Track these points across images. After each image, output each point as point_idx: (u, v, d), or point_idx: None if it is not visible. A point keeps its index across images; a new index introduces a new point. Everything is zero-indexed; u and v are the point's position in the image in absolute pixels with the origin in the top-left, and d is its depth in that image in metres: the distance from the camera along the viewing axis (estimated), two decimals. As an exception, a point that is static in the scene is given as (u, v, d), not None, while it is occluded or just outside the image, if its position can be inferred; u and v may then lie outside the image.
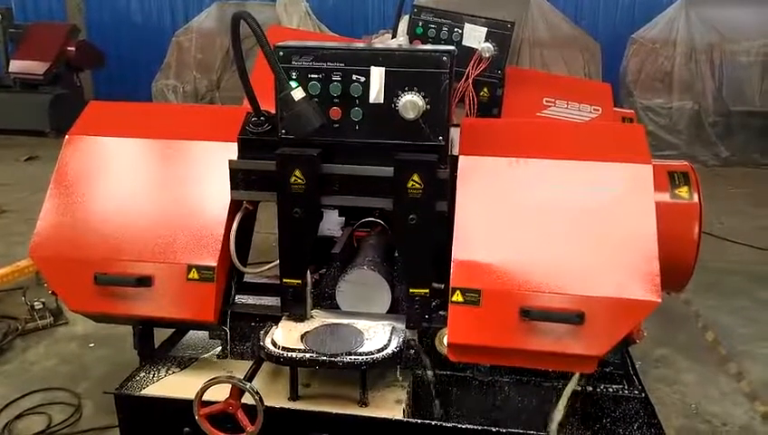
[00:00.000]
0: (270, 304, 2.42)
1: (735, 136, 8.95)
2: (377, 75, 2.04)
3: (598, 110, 3.60)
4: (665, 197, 2.35)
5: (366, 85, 2.05)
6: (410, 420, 2.13)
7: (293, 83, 1.99)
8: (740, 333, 4.12)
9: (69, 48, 9.96)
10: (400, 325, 2.20)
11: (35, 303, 3.96)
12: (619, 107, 5.96)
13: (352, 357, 2.02)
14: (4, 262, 4.52)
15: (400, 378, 2.26)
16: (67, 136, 2.46)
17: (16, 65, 9.80)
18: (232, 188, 2.22)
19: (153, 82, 10.32)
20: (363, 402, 2.14)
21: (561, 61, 9.35)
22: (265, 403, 1.98)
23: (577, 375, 2.26)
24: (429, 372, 2.25)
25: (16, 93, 9.91)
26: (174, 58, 10.35)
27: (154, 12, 11.90)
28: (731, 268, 5.17)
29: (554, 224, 2.07)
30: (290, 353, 2.05)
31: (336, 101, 2.08)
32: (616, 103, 5.08)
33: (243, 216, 2.29)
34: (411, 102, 2.01)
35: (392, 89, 2.04)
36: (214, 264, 2.20)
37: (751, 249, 5.63)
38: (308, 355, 2.04)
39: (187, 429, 2.12)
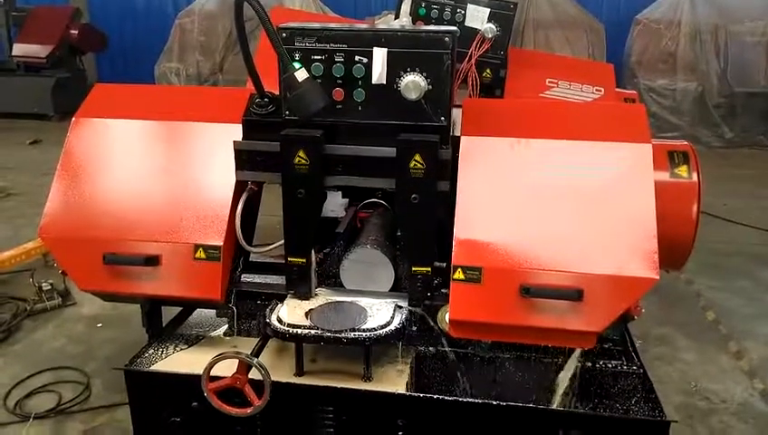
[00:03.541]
0: (275, 282, 2.46)
1: (739, 117, 8.92)
2: (379, 56, 2.06)
3: (600, 90, 3.61)
4: (664, 176, 2.38)
5: (368, 66, 2.07)
6: (413, 394, 2.18)
7: (297, 64, 2.02)
8: (740, 313, 4.16)
9: (71, 31, 9.96)
10: (403, 303, 2.24)
11: (43, 284, 4.00)
12: (623, 88, 5.95)
13: (356, 333, 2.06)
14: (11, 244, 4.57)
15: (403, 354, 2.31)
16: (74, 118, 2.48)
17: (19, 49, 9.81)
18: (237, 169, 2.26)
19: (156, 65, 10.30)
20: (367, 377, 2.19)
21: (564, 42, 9.30)
22: (272, 378, 2.03)
23: (577, 351, 2.31)
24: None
25: (19, 77, 9.93)
26: (176, 41, 10.32)
27: (156, -6, 11.86)
28: (733, 249, 5.20)
29: (554, 203, 2.10)
30: (295, 330, 2.09)
31: (339, 82, 2.10)
32: (620, 84, 5.08)
33: (248, 196, 2.32)
34: (413, 83, 2.03)
35: (394, 70, 2.06)
36: (220, 243, 2.24)
37: (753, 230, 5.65)
38: (313, 331, 2.08)
39: (195, 403, 2.18)
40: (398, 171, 2.10)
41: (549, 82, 3.60)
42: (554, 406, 2.20)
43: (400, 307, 2.22)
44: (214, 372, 2.06)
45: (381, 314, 2.16)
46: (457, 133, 2.25)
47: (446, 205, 2.17)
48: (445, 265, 2.19)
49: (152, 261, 2.24)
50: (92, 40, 10.34)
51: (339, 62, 2.08)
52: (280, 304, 2.25)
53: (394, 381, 2.20)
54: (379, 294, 2.30)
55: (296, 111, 2.08)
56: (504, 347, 2.37)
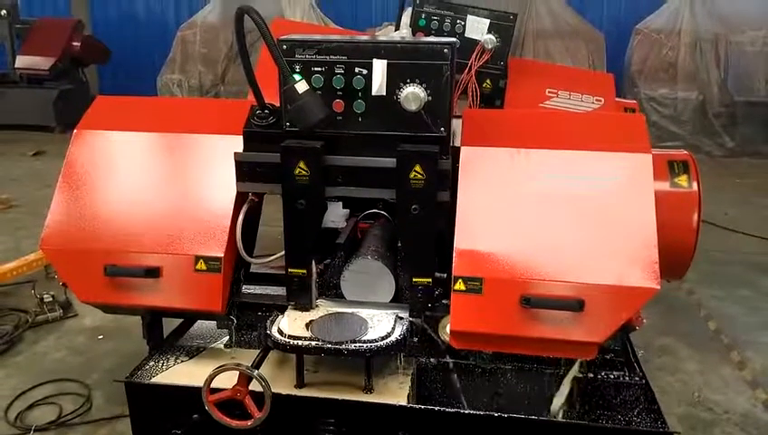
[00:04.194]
0: (276, 293, 2.46)
1: (740, 126, 8.95)
2: (379, 68, 2.07)
3: (600, 100, 3.62)
4: (664, 185, 2.38)
5: (368, 78, 2.08)
6: (414, 405, 2.17)
7: (297, 76, 2.02)
8: (743, 323, 4.15)
9: (74, 43, 10.02)
10: (404, 314, 2.24)
11: (45, 296, 4.01)
12: (623, 98, 5.96)
13: (357, 345, 2.06)
14: (13, 256, 4.57)
15: (404, 365, 2.30)
16: (75, 130, 2.49)
17: (22, 61, 9.86)
18: (237, 180, 2.26)
19: (158, 77, 10.37)
20: (368, 389, 2.18)
21: (565, 52, 9.35)
22: (272, 390, 2.02)
23: (578, 362, 2.30)
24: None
25: (22, 89, 9.98)
26: (179, 52, 10.40)
27: (158, 6, 11.95)
28: (735, 258, 5.19)
29: (555, 213, 2.10)
30: (296, 341, 2.09)
31: (339, 93, 2.11)
32: (620, 94, 5.10)
33: (248, 207, 2.33)
34: (413, 94, 2.04)
35: (394, 81, 2.07)
36: (221, 254, 2.24)
37: (755, 239, 5.64)
38: (314, 343, 2.08)
39: (196, 415, 2.17)
40: (398, 182, 2.10)
41: (549, 92, 3.61)
42: (556, 417, 2.20)
43: (401, 318, 2.21)
44: (214, 384, 2.06)
45: (382, 325, 2.16)
46: (457, 144, 2.25)
47: (447, 215, 2.18)
48: (445, 275, 2.19)
49: (153, 273, 2.25)
50: (95, 52, 10.40)
51: (339, 73, 2.09)
52: (280, 316, 2.25)
53: (395, 392, 2.19)
54: (380, 305, 2.30)
55: (297, 122, 2.09)
56: (506, 358, 2.36)
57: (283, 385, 2.19)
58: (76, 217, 2.35)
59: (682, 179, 2.40)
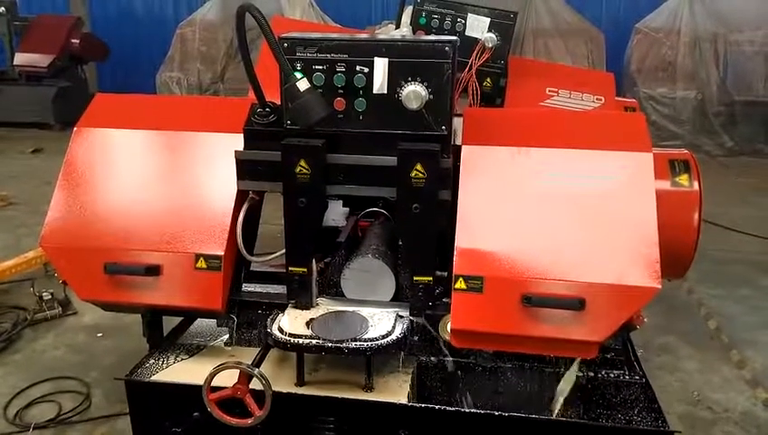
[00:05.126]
0: (276, 292, 2.46)
1: (739, 126, 8.97)
2: (380, 66, 2.07)
3: (600, 99, 3.62)
4: (665, 184, 2.38)
5: (369, 76, 2.08)
6: (415, 404, 2.17)
7: (298, 74, 2.02)
8: (742, 322, 4.16)
9: (73, 40, 10.01)
10: (404, 312, 2.23)
11: (44, 293, 4.00)
12: (623, 96, 5.96)
13: (358, 343, 2.06)
14: (12, 253, 4.57)
15: (404, 364, 2.30)
16: (75, 128, 2.49)
17: (21, 58, 9.85)
18: (238, 179, 2.25)
19: (157, 75, 10.36)
20: (369, 387, 2.18)
21: (564, 50, 9.36)
22: (273, 388, 2.02)
23: (578, 361, 2.30)
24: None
25: (21, 86, 9.98)
26: (178, 50, 10.38)
27: (157, 4, 11.94)
28: (734, 257, 5.20)
29: (556, 212, 2.10)
30: (296, 340, 2.09)
31: (340, 91, 2.10)
32: (619, 93, 5.10)
33: (249, 206, 2.32)
34: (414, 93, 2.03)
35: (395, 79, 2.07)
36: (221, 253, 2.24)
37: (754, 239, 5.65)
38: (314, 341, 2.07)
39: (196, 414, 2.16)
40: (399, 180, 2.10)
41: (549, 90, 3.61)
42: (556, 416, 2.19)
43: (402, 317, 2.21)
44: (215, 383, 2.05)
45: (383, 323, 2.16)
46: (458, 142, 2.25)
47: (448, 214, 2.17)
48: (446, 274, 2.19)
49: (153, 271, 2.24)
50: (94, 49, 10.39)
51: (340, 71, 2.08)
52: (281, 314, 2.25)
53: (396, 391, 2.19)
54: (381, 304, 2.30)
55: (298, 120, 2.08)
56: (506, 357, 2.36)
57: (284, 383, 2.19)
58: (76, 214, 2.34)
59: (683, 178, 2.40)
